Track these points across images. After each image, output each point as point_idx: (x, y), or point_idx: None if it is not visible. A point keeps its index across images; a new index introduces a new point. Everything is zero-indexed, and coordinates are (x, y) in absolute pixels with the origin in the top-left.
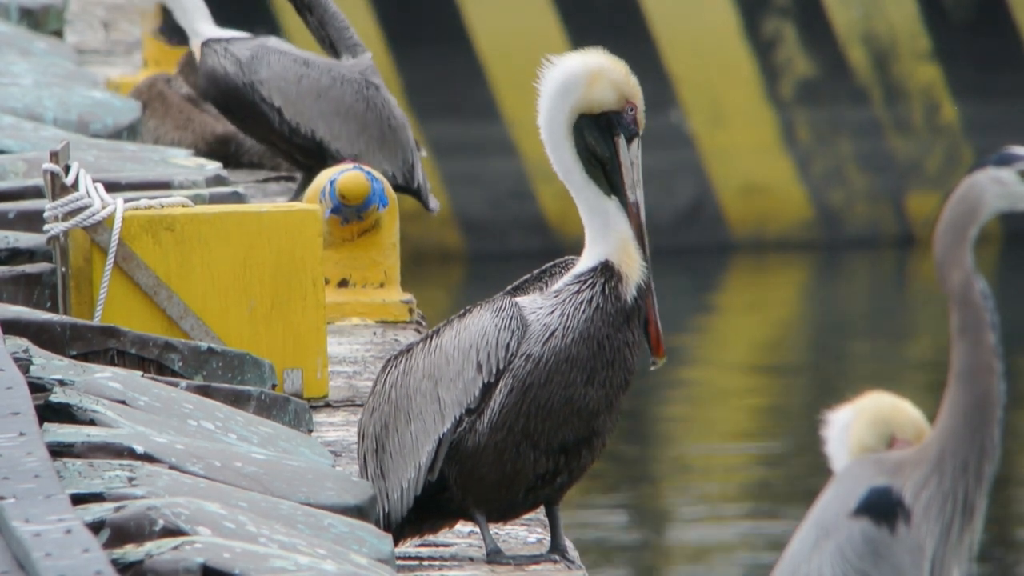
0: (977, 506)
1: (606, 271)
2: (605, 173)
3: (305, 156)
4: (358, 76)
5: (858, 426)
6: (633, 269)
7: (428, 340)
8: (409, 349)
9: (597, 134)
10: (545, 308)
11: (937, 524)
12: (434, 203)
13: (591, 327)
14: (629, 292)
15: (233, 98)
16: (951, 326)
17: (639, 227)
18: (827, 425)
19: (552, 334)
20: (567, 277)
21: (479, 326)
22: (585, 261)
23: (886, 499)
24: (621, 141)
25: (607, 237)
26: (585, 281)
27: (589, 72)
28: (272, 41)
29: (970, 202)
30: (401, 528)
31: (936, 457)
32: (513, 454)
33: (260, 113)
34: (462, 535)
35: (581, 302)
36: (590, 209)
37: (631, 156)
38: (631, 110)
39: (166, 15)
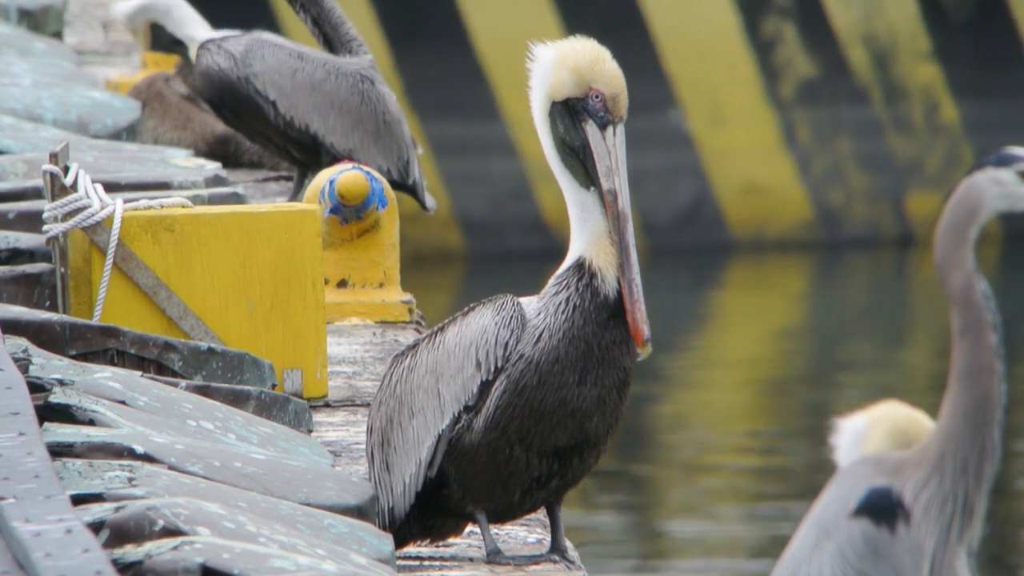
0: (977, 507)
1: (580, 269)
2: (584, 163)
3: (300, 151)
4: (353, 70)
5: (875, 437)
6: (608, 263)
7: (433, 336)
8: (415, 345)
9: (568, 121)
10: (534, 310)
11: (937, 525)
12: (431, 201)
13: (574, 327)
14: (608, 287)
15: (228, 93)
16: (952, 327)
17: (616, 217)
18: (836, 432)
19: (540, 336)
20: (552, 278)
21: (480, 324)
22: (566, 259)
23: (886, 499)
24: (591, 128)
25: (583, 232)
26: (562, 281)
27: (556, 58)
28: (266, 35)
29: (970, 203)
30: (407, 527)
31: (936, 458)
32: (506, 455)
33: (255, 106)
34: (462, 535)
35: (559, 303)
36: (569, 201)
37: (608, 144)
38: (597, 96)
39: (156, 32)
